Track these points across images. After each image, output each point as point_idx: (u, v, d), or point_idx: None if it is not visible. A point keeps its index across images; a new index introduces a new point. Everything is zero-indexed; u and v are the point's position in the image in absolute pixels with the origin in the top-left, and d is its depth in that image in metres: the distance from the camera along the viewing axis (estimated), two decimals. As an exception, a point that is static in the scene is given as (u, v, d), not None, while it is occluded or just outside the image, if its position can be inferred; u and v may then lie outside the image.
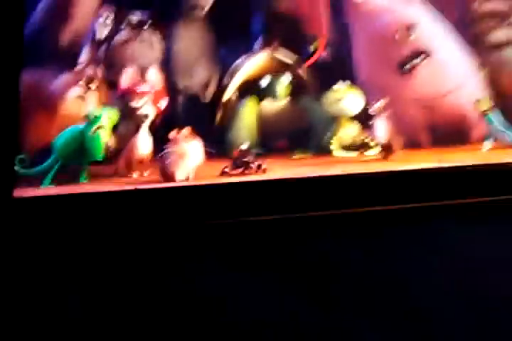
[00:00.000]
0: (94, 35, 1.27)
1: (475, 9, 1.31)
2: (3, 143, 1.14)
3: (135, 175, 1.12)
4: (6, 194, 1.11)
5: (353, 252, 1.14)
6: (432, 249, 1.14)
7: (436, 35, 1.24)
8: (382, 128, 1.14)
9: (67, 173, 1.12)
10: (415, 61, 1.19)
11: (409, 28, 1.24)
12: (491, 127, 1.16)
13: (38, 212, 1.11)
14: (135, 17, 1.28)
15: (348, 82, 1.18)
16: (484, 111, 1.18)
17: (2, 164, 1.13)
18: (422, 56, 1.21)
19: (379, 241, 1.15)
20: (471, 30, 1.29)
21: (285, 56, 1.25)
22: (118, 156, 1.14)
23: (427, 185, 1.16)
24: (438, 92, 1.18)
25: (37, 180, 1.10)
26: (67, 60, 1.24)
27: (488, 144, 1.14)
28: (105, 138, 1.12)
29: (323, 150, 1.18)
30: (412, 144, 1.16)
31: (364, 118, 1.17)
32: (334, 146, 1.17)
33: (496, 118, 1.16)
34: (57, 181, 1.10)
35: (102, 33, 1.27)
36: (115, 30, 1.26)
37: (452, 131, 1.17)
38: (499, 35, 1.25)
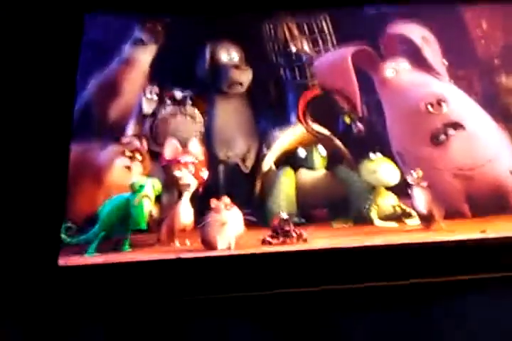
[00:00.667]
0: (140, 109, 1.37)
1: (500, 82, 1.39)
2: (51, 211, 1.19)
3: (177, 243, 1.14)
4: (52, 262, 1.15)
5: (398, 325, 1.12)
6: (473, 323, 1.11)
7: (466, 108, 1.30)
8: (421, 198, 1.15)
9: (111, 242, 1.15)
10: (450, 132, 1.25)
11: (440, 101, 1.31)
12: None
13: (82, 281, 1.11)
14: (179, 93, 1.39)
15: (381, 154, 1.23)
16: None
17: (49, 232, 1.17)
18: (456, 128, 1.28)
19: (423, 313, 1.14)
20: (498, 102, 1.37)
21: (320, 128, 1.35)
22: (160, 225, 1.17)
23: (471, 256, 1.16)
24: (474, 163, 1.21)
25: (82, 249, 1.12)
26: (114, 132, 1.34)
27: (528, 214, 1.20)
28: (149, 207, 1.15)
29: (363, 220, 1.20)
30: (453, 214, 1.17)
31: (402, 188, 1.20)
32: (374, 215, 1.19)
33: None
34: (101, 250, 1.12)
35: (148, 107, 1.36)
36: (160, 106, 1.38)
37: (492, 202, 1.18)
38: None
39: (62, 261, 1.10)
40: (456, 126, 1.29)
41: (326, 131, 1.30)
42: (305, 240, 1.11)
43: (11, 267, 1.12)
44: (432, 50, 1.41)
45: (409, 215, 1.17)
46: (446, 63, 1.41)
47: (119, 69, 1.39)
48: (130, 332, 1.10)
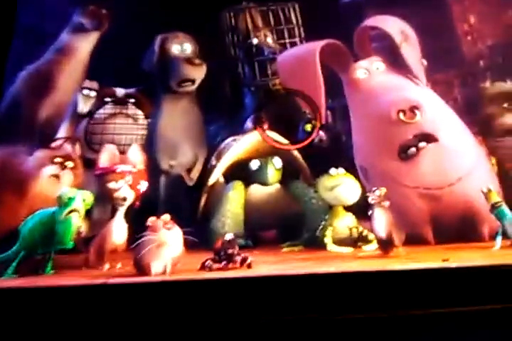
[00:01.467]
0: (75, 108, 1.23)
1: (485, 88, 1.26)
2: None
3: (106, 266, 1.03)
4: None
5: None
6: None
7: (442, 117, 1.16)
8: (381, 220, 1.03)
9: (33, 262, 1.04)
10: (420, 145, 1.11)
11: (414, 109, 1.17)
12: (503, 221, 1.06)
13: (-1, 305, 1.05)
14: (121, 90, 1.25)
15: (343, 169, 1.10)
16: (495, 203, 1.07)
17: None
18: (428, 140, 1.15)
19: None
20: (479, 111, 1.24)
21: (278, 136, 1.22)
22: (89, 244, 1.06)
23: (430, 287, 1.07)
24: (444, 181, 1.08)
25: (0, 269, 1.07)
26: (44, 134, 1.21)
27: (499, 241, 1.03)
28: (77, 223, 1.02)
29: (316, 243, 1.08)
30: (414, 239, 1.05)
31: (362, 208, 1.11)
32: (328, 239, 1.06)
33: (509, 212, 1.04)
34: (20, 271, 1.00)
35: (84, 106, 1.23)
36: (98, 105, 1.25)
37: (459, 226, 1.07)
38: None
39: (-24, 283, 1.04)
40: (429, 137, 1.13)
41: (284, 140, 1.17)
42: (249, 265, 1.00)
43: None
44: (411, 47, 1.24)
45: (366, 240, 1.07)
46: (425, 63, 1.27)
47: (54, 60, 1.25)
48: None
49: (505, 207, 1.09)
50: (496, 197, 1.10)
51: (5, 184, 1.14)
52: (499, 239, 1.05)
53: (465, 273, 1.04)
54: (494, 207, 1.09)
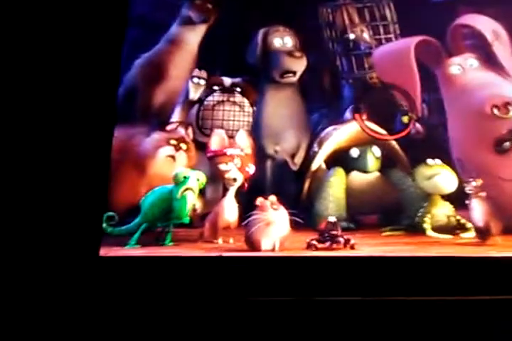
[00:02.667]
0: (186, 95, 1.30)
1: None
2: (92, 199, 1.17)
3: (220, 241, 1.11)
4: (93, 252, 1.14)
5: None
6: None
7: (535, 114, 1.25)
8: (479, 210, 1.08)
9: (154, 234, 1.12)
10: (515, 140, 1.21)
11: (507, 105, 1.22)
12: None
13: (122, 272, 1.09)
14: (228, 79, 1.32)
15: (439, 160, 1.15)
16: None
17: (90, 221, 1.15)
18: (522, 135, 1.20)
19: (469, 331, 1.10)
20: None
21: (376, 127, 1.28)
22: (204, 220, 1.14)
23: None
24: (538, 175, 1.19)
25: (123, 239, 1.10)
26: (159, 118, 1.28)
27: None
28: (192, 200, 1.10)
29: (416, 229, 1.14)
30: (510, 230, 1.10)
31: (459, 198, 1.14)
32: (427, 226, 1.12)
33: None
34: (142, 242, 1.10)
35: (195, 93, 1.29)
36: (207, 92, 1.31)
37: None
38: None
39: (103, 252, 1.07)
40: (523, 133, 1.23)
41: (382, 131, 1.23)
42: (352, 246, 1.06)
43: (51, 256, 1.12)
44: (503, 46, 1.29)
45: (464, 228, 1.12)
46: (518, 62, 1.33)
47: (166, 50, 1.31)
48: (166, 326, 1.11)
49: None
50: None
51: (125, 163, 1.22)
52: None
53: None
54: None
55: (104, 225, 1.11)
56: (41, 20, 1.29)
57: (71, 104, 1.22)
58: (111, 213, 1.11)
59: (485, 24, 1.32)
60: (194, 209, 1.14)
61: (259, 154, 1.22)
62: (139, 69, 1.28)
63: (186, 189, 1.13)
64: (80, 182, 1.17)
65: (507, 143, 1.20)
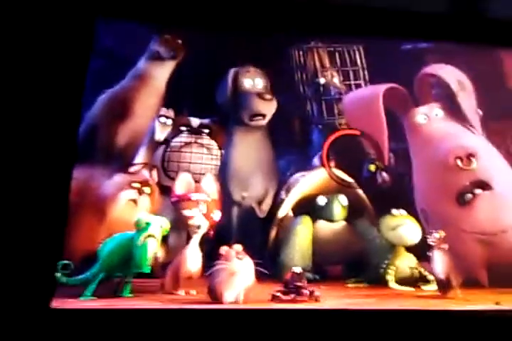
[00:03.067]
0: (152, 135, 1.27)
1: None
2: (47, 245, 1.10)
3: (182, 292, 1.07)
4: (44, 303, 1.07)
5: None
6: None
7: (496, 166, 1.25)
8: (440, 262, 1.10)
9: (111, 285, 1.06)
10: (476, 191, 1.19)
11: (470, 156, 1.25)
12: None
13: (76, 326, 1.03)
14: (196, 120, 1.29)
15: (403, 210, 1.17)
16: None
17: (43, 269, 1.09)
18: (483, 187, 1.23)
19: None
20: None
21: (344, 175, 1.28)
22: (165, 270, 1.09)
23: (483, 328, 1.14)
24: (497, 228, 1.17)
25: (78, 290, 1.03)
26: (122, 159, 1.23)
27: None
28: (154, 248, 1.05)
29: (379, 281, 1.15)
30: (471, 282, 1.12)
31: (422, 249, 1.16)
32: (390, 277, 1.13)
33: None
34: (99, 293, 1.03)
35: (161, 134, 1.26)
36: (174, 133, 1.28)
37: (511, 271, 1.19)
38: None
39: (56, 303, 1.01)
40: (484, 185, 1.23)
41: (349, 179, 1.25)
42: (317, 299, 1.05)
43: (1, 306, 1.06)
44: (467, 97, 1.33)
45: (426, 280, 1.13)
46: (481, 113, 1.36)
47: (132, 86, 1.27)
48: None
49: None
50: (544, 246, 1.20)
51: (84, 206, 1.16)
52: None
53: None
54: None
55: (58, 274, 1.03)
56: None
57: (27, 141, 1.16)
58: (66, 261, 1.04)
59: (450, 74, 1.36)
60: (155, 258, 1.08)
61: (226, 200, 1.19)
62: (102, 106, 1.23)
63: (148, 236, 1.07)
64: (33, 227, 1.09)
65: (469, 195, 1.23)
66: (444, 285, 1.11)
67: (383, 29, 1.35)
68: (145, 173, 1.18)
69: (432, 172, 1.25)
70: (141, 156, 1.23)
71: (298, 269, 1.11)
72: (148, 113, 1.27)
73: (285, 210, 1.23)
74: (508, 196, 1.20)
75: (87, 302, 1.04)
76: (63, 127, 1.23)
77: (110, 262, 1.06)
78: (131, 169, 1.18)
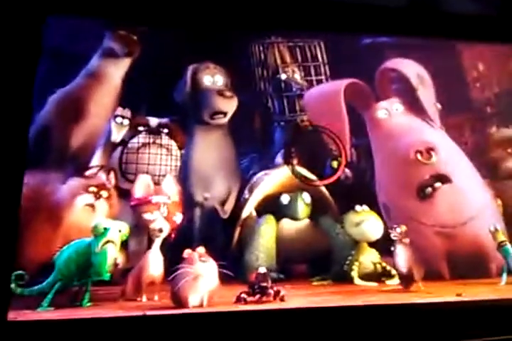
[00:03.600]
0: (108, 136, 1.22)
1: (491, 133, 1.37)
2: (-1, 256, 1.06)
3: (144, 298, 1.03)
4: (0, 316, 1.02)
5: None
6: None
7: (455, 159, 1.27)
8: (403, 256, 1.11)
9: (69, 294, 1.02)
10: (436, 185, 1.20)
11: (430, 150, 1.26)
12: (508, 259, 1.14)
13: (34, 338, 1.00)
14: (154, 120, 1.25)
15: (366, 206, 1.17)
16: (501, 242, 1.18)
17: (-4, 281, 1.05)
18: (443, 180, 1.24)
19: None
20: (486, 155, 1.35)
21: (307, 172, 1.27)
22: (126, 276, 1.05)
23: (446, 319, 1.16)
24: (457, 220, 1.19)
25: (35, 301, 0.99)
26: (76, 162, 1.18)
27: (505, 278, 1.13)
28: (114, 254, 1.01)
29: (344, 278, 1.15)
30: (432, 274, 1.14)
31: (384, 244, 1.18)
32: (355, 273, 1.14)
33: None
34: (57, 303, 0.99)
35: (118, 135, 1.21)
36: (132, 134, 1.23)
37: (471, 263, 1.17)
38: (515, 164, 1.32)
39: (12, 315, 0.96)
40: (444, 178, 1.24)
41: (312, 176, 1.23)
42: (282, 298, 1.04)
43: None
44: (426, 91, 1.33)
45: (389, 275, 1.14)
46: (440, 107, 1.37)
47: (85, 85, 1.21)
48: None
49: (509, 246, 1.20)
50: (502, 236, 1.21)
51: (38, 213, 1.10)
52: (505, 275, 1.15)
53: (476, 306, 1.17)
54: (500, 246, 1.20)
55: (13, 285, 0.98)
56: None
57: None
58: (20, 271, 0.99)
59: (410, 68, 1.36)
60: (115, 264, 1.05)
61: (187, 201, 1.16)
62: (54, 106, 1.17)
63: (107, 241, 1.03)
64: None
65: (429, 189, 1.24)
66: (407, 279, 1.12)
67: (343, 23, 1.36)
68: (102, 176, 1.13)
69: (392, 167, 1.26)
70: (97, 158, 1.18)
71: (262, 269, 1.09)
72: (104, 113, 1.22)
73: (248, 210, 1.21)
74: (466, 189, 1.22)
75: (45, 313, 1.00)
76: (13, 129, 1.17)
77: (67, 270, 1.02)
78: (87, 172, 1.13)
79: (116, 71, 1.25)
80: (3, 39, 1.17)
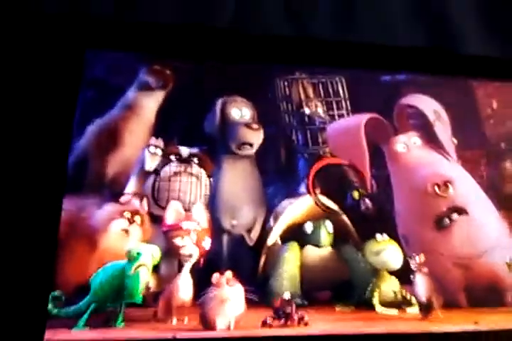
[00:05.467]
0: (142, 165, 1.26)
1: (506, 168, 1.42)
2: (37, 277, 1.10)
3: (174, 321, 1.07)
4: (37, 336, 1.06)
5: None
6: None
7: (471, 192, 1.31)
8: (422, 285, 1.14)
9: (104, 315, 1.06)
10: (454, 217, 1.25)
11: (447, 183, 1.31)
12: None
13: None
14: (185, 150, 1.31)
15: (386, 235, 1.21)
16: (516, 273, 1.27)
17: (34, 301, 1.08)
18: (460, 212, 1.29)
19: None
20: (501, 189, 1.40)
21: (329, 202, 1.31)
22: (157, 299, 1.10)
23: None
24: (474, 252, 1.22)
25: (70, 321, 1.03)
26: (112, 189, 1.23)
27: (521, 307, 1.24)
28: (146, 278, 1.06)
29: (365, 305, 1.19)
30: (450, 303, 1.17)
31: (405, 273, 1.20)
32: (376, 301, 1.17)
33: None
34: (92, 324, 1.03)
35: (151, 163, 1.26)
36: (164, 163, 1.27)
37: (488, 293, 1.21)
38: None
39: (48, 336, 1.00)
40: (461, 210, 1.29)
41: (334, 206, 1.28)
42: (306, 324, 1.08)
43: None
44: (443, 126, 1.40)
45: (409, 303, 1.17)
46: (456, 142, 1.43)
47: (121, 116, 1.28)
48: None
49: (525, 277, 1.26)
50: (517, 269, 1.27)
51: (75, 237, 1.15)
52: (521, 305, 1.23)
53: (493, 335, 1.20)
54: (516, 277, 1.26)
55: (50, 306, 1.03)
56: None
57: (18, 172, 1.17)
58: (57, 292, 1.04)
59: (427, 104, 1.42)
60: (147, 287, 1.09)
61: (216, 228, 1.21)
62: (91, 136, 1.23)
63: (139, 265, 1.08)
64: (23, 259, 1.09)
65: (446, 220, 1.29)
66: (426, 307, 1.16)
67: (363, 61, 1.44)
68: (135, 203, 1.17)
69: (411, 199, 1.31)
70: (131, 186, 1.22)
71: (287, 295, 1.13)
72: (138, 142, 1.27)
73: (274, 238, 1.25)
74: (482, 221, 1.27)
75: (80, 333, 1.04)
76: (53, 158, 1.25)
77: (102, 292, 1.06)
78: (122, 199, 1.17)
79: (151, 103, 1.31)
80: (46, 72, 1.27)
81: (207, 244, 1.17)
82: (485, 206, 1.30)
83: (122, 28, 1.34)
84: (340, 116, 1.40)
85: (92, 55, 1.28)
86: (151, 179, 1.25)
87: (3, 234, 1.09)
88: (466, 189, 1.31)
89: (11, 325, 1.04)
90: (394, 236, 1.24)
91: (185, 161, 1.28)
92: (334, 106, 1.40)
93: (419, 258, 1.21)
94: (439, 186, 1.31)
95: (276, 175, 1.35)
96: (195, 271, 1.13)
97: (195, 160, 1.28)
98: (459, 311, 1.18)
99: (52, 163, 1.20)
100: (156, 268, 1.12)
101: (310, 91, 1.42)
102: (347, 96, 1.41)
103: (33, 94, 1.22)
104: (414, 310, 1.17)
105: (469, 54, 1.46)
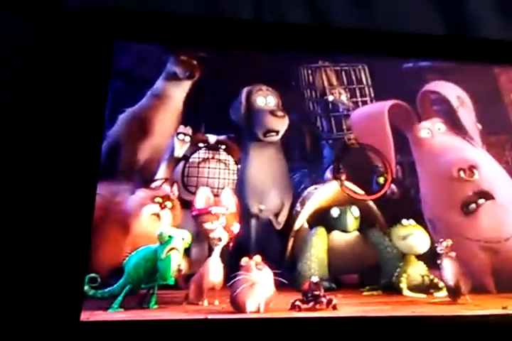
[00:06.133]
0: (172, 152, 1.30)
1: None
2: (73, 259, 1.13)
3: (205, 303, 1.10)
4: (73, 316, 1.09)
5: None
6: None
7: (497, 176, 1.31)
8: (449, 269, 1.15)
9: (137, 297, 1.09)
10: (480, 201, 1.25)
11: (472, 168, 1.31)
12: None
13: (105, 338, 1.07)
14: (213, 136, 1.33)
15: (413, 220, 1.22)
16: (544, 258, 1.27)
17: (71, 283, 1.11)
18: (486, 197, 1.29)
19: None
20: (526, 174, 1.40)
21: (355, 187, 1.31)
22: (189, 281, 1.12)
23: (492, 331, 1.19)
24: (500, 236, 1.23)
25: (105, 303, 1.07)
26: (143, 175, 1.25)
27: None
28: (177, 260, 1.09)
29: (393, 288, 1.19)
30: (478, 288, 1.18)
31: (432, 257, 1.20)
32: (403, 285, 1.18)
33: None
34: (126, 305, 1.06)
35: (180, 150, 1.30)
36: (193, 150, 1.30)
37: (515, 277, 1.25)
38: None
39: (84, 316, 1.03)
40: (487, 195, 1.29)
41: (359, 191, 1.29)
42: (334, 307, 1.09)
43: (29, 320, 1.08)
44: (467, 112, 1.41)
45: (436, 287, 1.17)
46: (480, 127, 1.43)
47: (151, 105, 1.31)
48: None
49: (553, 261, 1.25)
50: (544, 253, 1.26)
51: (108, 221, 1.18)
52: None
53: None
54: (543, 262, 1.25)
55: (86, 288, 1.06)
56: (19, 72, 1.29)
57: (54, 158, 1.20)
58: (93, 274, 1.07)
59: (450, 90, 1.43)
60: (179, 270, 1.12)
61: (244, 213, 1.23)
62: (123, 124, 1.25)
63: (171, 249, 1.10)
64: (59, 242, 1.12)
65: (473, 205, 1.29)
66: (454, 292, 1.17)
67: (385, 49, 1.44)
68: (166, 188, 1.20)
69: (436, 184, 1.32)
70: (161, 172, 1.25)
71: (315, 278, 1.14)
72: (167, 131, 1.30)
73: (301, 222, 1.26)
74: (508, 205, 1.27)
75: (115, 314, 1.07)
76: (87, 145, 1.28)
77: (136, 275, 1.10)
78: (153, 184, 1.21)
79: (179, 93, 1.33)
80: (77, 64, 1.31)
81: (236, 228, 1.19)
82: (510, 190, 1.32)
83: (149, 19, 1.38)
84: (364, 103, 1.40)
85: (120, 46, 1.33)
86: (180, 165, 1.28)
87: (42, 220, 1.14)
88: (492, 174, 1.30)
89: (49, 306, 1.07)
90: (420, 220, 1.25)
91: (213, 148, 1.30)
92: (357, 93, 1.40)
93: (447, 243, 1.22)
94: (464, 171, 1.31)
95: (302, 161, 1.37)
96: (224, 254, 1.16)
97: (223, 147, 1.31)
98: (486, 296, 1.18)
99: (86, 150, 1.24)
100: (186, 252, 1.15)
101: (333, 79, 1.43)
102: (370, 83, 1.42)
103: (67, 85, 1.25)
104: (442, 294, 1.17)
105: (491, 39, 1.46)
